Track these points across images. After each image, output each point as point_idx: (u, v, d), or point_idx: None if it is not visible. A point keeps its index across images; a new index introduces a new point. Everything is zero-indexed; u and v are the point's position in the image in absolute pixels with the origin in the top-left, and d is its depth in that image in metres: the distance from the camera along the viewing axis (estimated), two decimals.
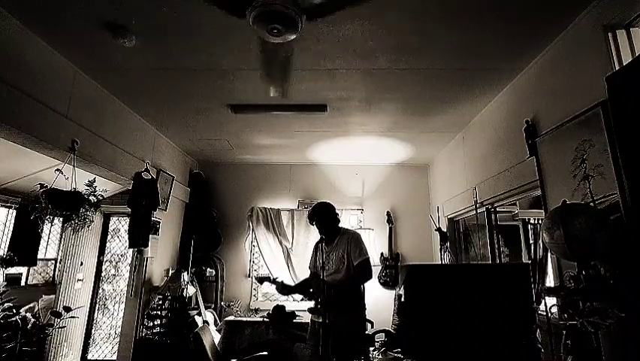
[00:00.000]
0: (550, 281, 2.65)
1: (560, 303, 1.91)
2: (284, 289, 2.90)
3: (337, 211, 2.90)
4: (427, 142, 4.30)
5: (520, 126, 2.58)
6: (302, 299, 3.10)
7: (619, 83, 1.62)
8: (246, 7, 1.89)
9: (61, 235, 4.68)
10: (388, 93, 3.06)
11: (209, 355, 3.46)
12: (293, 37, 2.07)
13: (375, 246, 4.75)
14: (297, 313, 4.02)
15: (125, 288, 4.02)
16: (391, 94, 3.08)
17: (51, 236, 4.66)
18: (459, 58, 2.52)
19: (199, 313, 4.15)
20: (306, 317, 3.04)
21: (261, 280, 3.05)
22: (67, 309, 3.07)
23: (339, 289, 2.65)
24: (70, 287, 4.20)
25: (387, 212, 4.96)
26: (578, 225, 1.54)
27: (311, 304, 2.82)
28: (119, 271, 4.71)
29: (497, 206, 3.26)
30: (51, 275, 4.66)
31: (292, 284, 3.21)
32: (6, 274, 3.92)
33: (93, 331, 4.48)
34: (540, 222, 2.52)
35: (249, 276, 4.89)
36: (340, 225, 2.93)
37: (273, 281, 2.93)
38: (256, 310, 4.57)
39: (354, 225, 4.90)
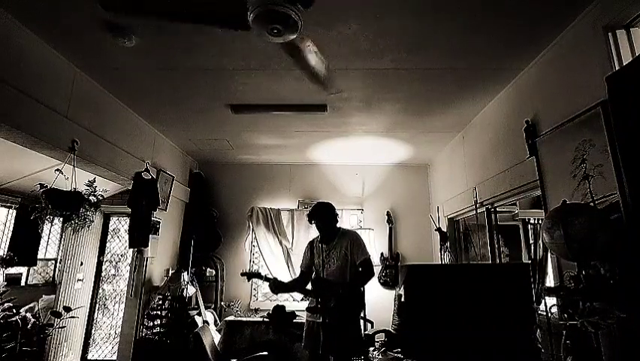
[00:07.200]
0: (550, 281, 2.65)
1: (560, 303, 1.92)
2: (277, 286, 2.79)
3: (337, 211, 2.90)
4: (426, 142, 4.30)
5: (520, 126, 2.58)
6: (302, 299, 3.07)
7: (619, 83, 1.62)
8: (246, 21, 1.90)
9: (61, 235, 4.68)
10: (388, 93, 3.06)
11: (209, 355, 3.47)
12: (293, 37, 2.07)
13: (375, 246, 4.74)
14: (297, 313, 4.02)
15: (125, 288, 4.02)
16: (391, 94, 3.08)
17: (51, 236, 4.65)
18: (459, 58, 2.52)
19: (199, 313, 4.15)
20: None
21: (249, 275, 2.91)
22: (67, 309, 3.06)
23: (344, 288, 2.65)
24: (70, 287, 4.20)
25: (387, 212, 4.96)
26: (578, 225, 1.54)
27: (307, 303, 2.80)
28: (119, 271, 4.70)
29: (497, 206, 3.26)
30: (51, 275, 4.66)
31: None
32: (6, 274, 3.92)
33: (93, 331, 4.48)
34: (540, 222, 2.52)
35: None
36: (339, 225, 2.92)
37: (265, 278, 2.81)
38: (256, 310, 4.57)
39: (354, 225, 4.90)
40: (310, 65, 2.27)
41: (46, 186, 2.48)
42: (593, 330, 1.50)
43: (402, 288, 1.97)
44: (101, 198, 2.78)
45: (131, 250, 3.84)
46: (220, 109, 3.41)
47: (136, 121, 3.63)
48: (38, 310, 3.94)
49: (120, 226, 4.79)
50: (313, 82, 2.36)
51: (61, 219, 2.69)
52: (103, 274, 4.63)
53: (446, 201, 4.36)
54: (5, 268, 3.77)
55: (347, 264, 2.74)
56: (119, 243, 4.75)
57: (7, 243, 3.91)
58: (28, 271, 4.42)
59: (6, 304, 3.01)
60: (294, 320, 3.97)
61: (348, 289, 2.65)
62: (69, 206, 2.53)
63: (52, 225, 4.25)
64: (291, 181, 5.22)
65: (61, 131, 2.61)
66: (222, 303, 4.71)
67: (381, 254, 4.77)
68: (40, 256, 4.41)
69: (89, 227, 2.75)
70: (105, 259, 4.66)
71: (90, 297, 4.47)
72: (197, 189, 4.98)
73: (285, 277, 4.58)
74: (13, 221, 4.03)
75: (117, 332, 4.35)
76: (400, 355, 2.26)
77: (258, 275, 2.90)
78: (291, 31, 2.02)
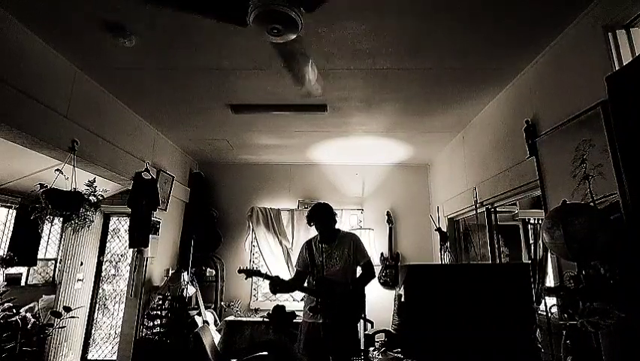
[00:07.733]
0: (550, 281, 2.65)
1: (560, 303, 1.92)
2: (279, 285, 2.71)
3: (335, 211, 2.89)
4: (426, 142, 4.30)
5: (520, 126, 2.58)
6: (302, 299, 3.05)
7: (619, 83, 1.62)
8: (245, 15, 1.89)
9: (61, 235, 4.68)
10: (388, 93, 3.06)
11: (209, 355, 3.47)
12: (293, 37, 2.07)
13: (375, 246, 4.74)
14: (297, 313, 4.02)
15: (125, 288, 4.02)
16: (391, 94, 3.08)
17: (51, 236, 4.65)
18: (459, 58, 2.52)
19: (199, 313, 4.15)
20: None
21: (248, 273, 2.81)
22: (67, 309, 3.06)
23: (349, 288, 2.66)
24: (70, 287, 4.20)
25: (387, 212, 4.96)
26: (578, 225, 1.54)
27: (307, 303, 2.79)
28: (119, 271, 4.70)
29: (497, 206, 3.26)
30: (51, 275, 4.66)
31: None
32: (6, 274, 3.92)
33: (93, 331, 4.48)
34: (540, 222, 2.52)
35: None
36: (338, 225, 2.91)
37: (266, 276, 2.73)
38: (256, 310, 4.57)
39: (354, 225, 4.90)
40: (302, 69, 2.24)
41: (46, 186, 2.48)
42: (593, 330, 1.50)
43: (402, 288, 1.97)
44: (101, 198, 2.78)
45: (131, 250, 3.84)
46: (220, 109, 3.40)
47: (136, 121, 3.63)
48: (38, 310, 3.94)
49: (120, 225, 4.79)
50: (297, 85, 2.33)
51: (61, 219, 2.69)
52: (103, 274, 4.63)
53: (446, 201, 4.36)
54: (5, 268, 3.76)
55: (349, 265, 2.75)
56: (119, 243, 4.75)
57: (7, 243, 3.91)
58: (28, 271, 4.42)
59: (6, 304, 3.01)
60: (294, 320, 3.97)
61: (352, 290, 2.66)
62: (69, 206, 2.53)
63: (52, 225, 4.25)
64: (290, 181, 5.22)
65: (62, 131, 2.61)
66: (222, 303, 4.71)
67: (381, 254, 4.77)
68: (40, 256, 4.40)
69: (89, 227, 2.75)
70: (105, 259, 4.66)
71: (90, 297, 4.47)
72: (197, 189, 4.98)
73: (285, 277, 4.58)
74: (13, 221, 4.03)
75: (117, 332, 4.35)
76: (400, 355, 2.26)
77: (257, 273, 2.82)
78: (291, 30, 2.03)
